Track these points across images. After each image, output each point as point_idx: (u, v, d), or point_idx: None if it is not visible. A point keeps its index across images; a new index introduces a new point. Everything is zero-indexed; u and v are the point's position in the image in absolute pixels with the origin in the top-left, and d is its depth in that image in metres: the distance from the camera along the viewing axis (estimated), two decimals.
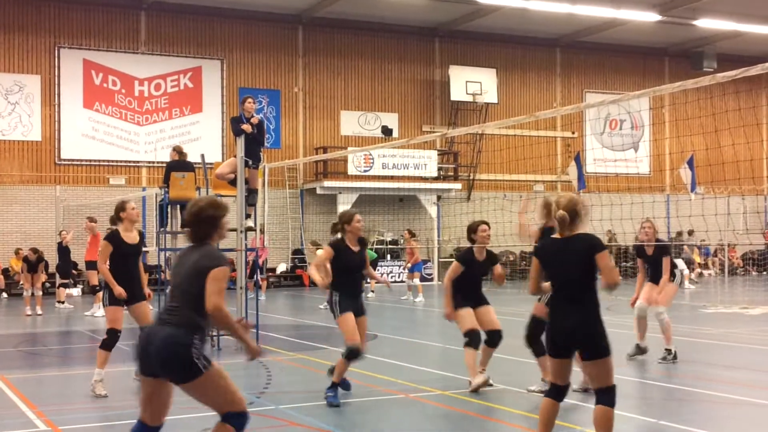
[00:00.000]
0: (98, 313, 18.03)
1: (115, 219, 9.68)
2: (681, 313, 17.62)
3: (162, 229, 16.61)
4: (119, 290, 9.21)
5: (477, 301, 9.37)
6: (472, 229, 9.51)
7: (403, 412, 8.26)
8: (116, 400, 9.16)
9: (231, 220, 13.83)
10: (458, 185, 31.59)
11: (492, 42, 33.26)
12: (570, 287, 6.11)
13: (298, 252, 29.76)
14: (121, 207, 9.64)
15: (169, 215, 16.25)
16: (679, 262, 20.44)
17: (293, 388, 9.80)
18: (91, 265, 18.12)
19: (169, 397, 5.37)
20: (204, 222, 5.47)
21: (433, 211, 30.83)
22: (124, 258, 9.42)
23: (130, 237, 9.53)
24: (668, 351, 11.18)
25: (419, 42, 32.58)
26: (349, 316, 8.70)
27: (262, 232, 14.92)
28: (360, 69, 31.66)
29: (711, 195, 25.06)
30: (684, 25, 32.03)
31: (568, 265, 6.10)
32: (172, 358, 5.13)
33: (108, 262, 9.40)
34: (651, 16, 30.60)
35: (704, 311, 18.61)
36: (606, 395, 6.00)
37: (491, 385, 9.31)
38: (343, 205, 29.17)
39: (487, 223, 9.59)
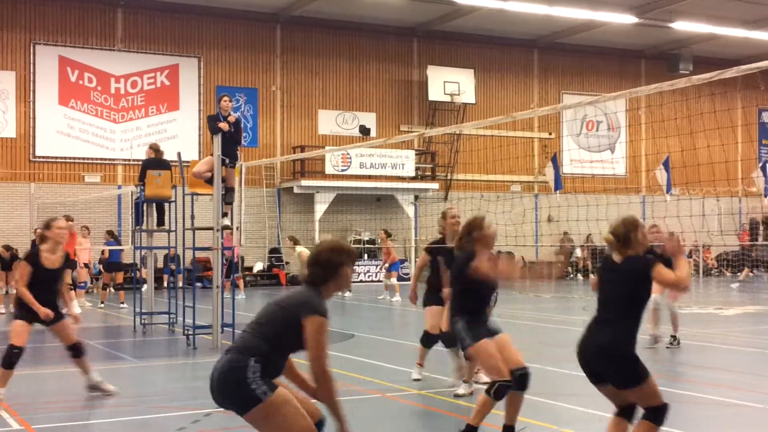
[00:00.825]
0: (76, 309, 17.85)
1: (41, 237, 8.81)
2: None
3: (137, 227, 16.53)
4: (45, 311, 8.60)
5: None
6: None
7: (380, 411, 8.24)
8: (90, 399, 9.12)
9: (211, 219, 13.60)
10: (435, 185, 31.62)
11: (470, 42, 33.32)
12: (605, 308, 5.82)
13: (275, 251, 29.67)
14: (46, 225, 8.77)
15: (145, 213, 16.18)
16: None
17: None
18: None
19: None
20: (320, 266, 4.91)
21: (410, 210, 30.85)
22: (40, 281, 8.65)
23: (51, 260, 8.70)
24: (673, 337, 12.97)
25: (397, 42, 32.58)
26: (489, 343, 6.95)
27: (237, 229, 14.85)
28: (338, 68, 31.61)
29: (686, 196, 25.21)
30: (660, 28, 32.24)
31: (611, 286, 5.83)
32: (226, 383, 4.71)
33: (26, 282, 8.64)
34: (628, 18, 30.77)
35: (679, 312, 18.67)
36: (652, 413, 5.65)
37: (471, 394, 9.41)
38: (320, 204, 29.14)
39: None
